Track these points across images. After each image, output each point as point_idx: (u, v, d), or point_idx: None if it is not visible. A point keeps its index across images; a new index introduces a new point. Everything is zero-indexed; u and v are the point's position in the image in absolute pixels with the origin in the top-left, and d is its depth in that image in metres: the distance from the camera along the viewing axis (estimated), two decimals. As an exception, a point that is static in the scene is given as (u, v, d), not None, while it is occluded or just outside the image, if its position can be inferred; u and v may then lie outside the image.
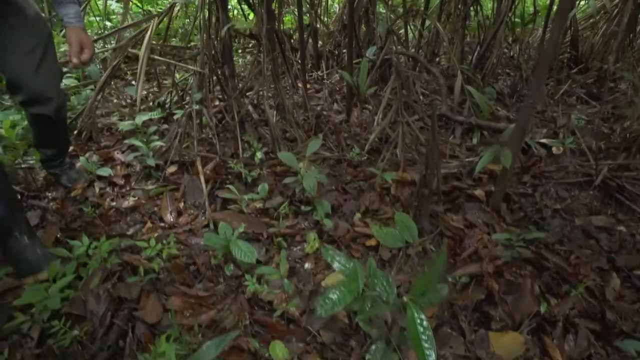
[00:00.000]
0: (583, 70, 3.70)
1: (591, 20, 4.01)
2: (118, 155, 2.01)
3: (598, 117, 2.78)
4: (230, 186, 1.62)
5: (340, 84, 3.13)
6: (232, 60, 2.20)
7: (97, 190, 1.76)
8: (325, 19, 3.74)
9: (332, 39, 3.58)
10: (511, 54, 4.08)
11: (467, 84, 2.73)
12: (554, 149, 2.06)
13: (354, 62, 2.64)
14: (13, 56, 1.33)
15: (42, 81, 1.39)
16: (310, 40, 3.35)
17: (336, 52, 3.52)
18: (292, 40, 3.41)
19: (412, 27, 3.47)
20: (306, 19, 3.42)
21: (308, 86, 3.08)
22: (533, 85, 1.41)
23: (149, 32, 1.99)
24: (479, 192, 1.77)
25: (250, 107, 2.51)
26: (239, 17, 2.97)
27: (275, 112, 2.38)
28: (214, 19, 2.08)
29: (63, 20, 1.38)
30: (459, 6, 3.30)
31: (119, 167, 1.88)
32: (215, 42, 2.13)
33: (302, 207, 1.63)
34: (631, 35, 3.49)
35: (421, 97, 3.06)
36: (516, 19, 3.75)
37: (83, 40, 1.37)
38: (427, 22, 3.22)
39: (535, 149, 2.01)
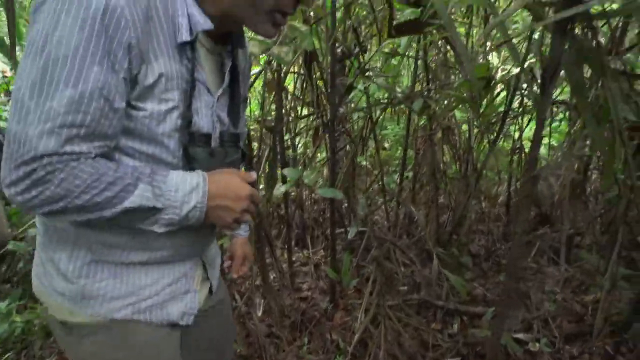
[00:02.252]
0: (550, 226, 4.00)
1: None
2: None
3: (568, 289, 2.94)
4: None
5: (327, 256, 3.30)
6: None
7: None
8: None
9: (316, 205, 3.88)
10: (482, 209, 4.42)
11: (442, 254, 2.93)
12: (530, 346, 2.14)
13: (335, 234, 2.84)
14: None
15: None
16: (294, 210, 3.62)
17: (321, 220, 3.78)
18: (278, 212, 3.67)
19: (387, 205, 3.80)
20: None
21: (293, 258, 3.24)
22: (495, 336, 1.55)
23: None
24: (464, 412, 1.79)
25: (237, 296, 2.61)
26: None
27: (261, 306, 2.48)
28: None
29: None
30: (430, 183, 3.69)
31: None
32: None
33: None
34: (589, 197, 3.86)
35: (402, 268, 3.22)
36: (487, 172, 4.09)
37: (247, 253, 1.32)
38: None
39: (510, 348, 2.09)
